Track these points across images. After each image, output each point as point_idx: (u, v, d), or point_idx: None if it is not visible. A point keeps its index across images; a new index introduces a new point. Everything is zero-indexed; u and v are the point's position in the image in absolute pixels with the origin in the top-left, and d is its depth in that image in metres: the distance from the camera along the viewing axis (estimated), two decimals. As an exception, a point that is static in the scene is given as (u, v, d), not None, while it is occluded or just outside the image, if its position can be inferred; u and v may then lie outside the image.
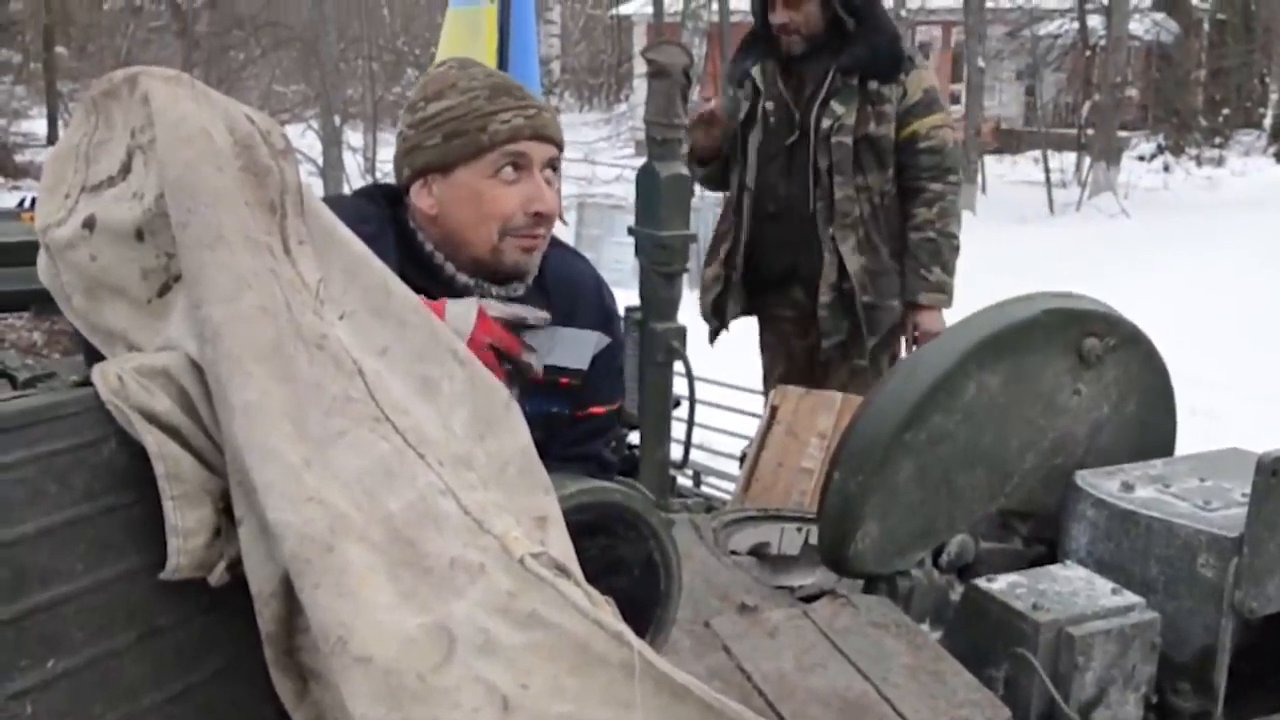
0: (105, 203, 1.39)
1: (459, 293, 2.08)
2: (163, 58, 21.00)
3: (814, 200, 3.79)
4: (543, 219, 2.09)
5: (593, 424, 2.29)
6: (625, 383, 2.27)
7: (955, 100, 23.70)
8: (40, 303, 3.94)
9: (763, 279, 3.99)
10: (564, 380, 2.20)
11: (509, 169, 2.08)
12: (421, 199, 2.10)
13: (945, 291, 3.87)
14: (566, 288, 2.23)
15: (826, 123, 3.73)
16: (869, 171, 3.81)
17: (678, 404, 3.03)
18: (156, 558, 1.26)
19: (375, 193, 2.24)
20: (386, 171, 17.41)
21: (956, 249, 3.88)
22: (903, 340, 4.00)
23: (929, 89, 3.83)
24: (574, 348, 2.20)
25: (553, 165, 2.14)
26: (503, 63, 4.12)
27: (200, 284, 1.28)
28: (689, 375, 2.95)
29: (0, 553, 1.19)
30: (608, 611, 1.31)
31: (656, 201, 2.89)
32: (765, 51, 3.89)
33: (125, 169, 1.38)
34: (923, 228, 3.85)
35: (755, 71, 3.87)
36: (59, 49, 21.28)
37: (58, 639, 1.22)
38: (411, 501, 1.30)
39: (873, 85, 3.79)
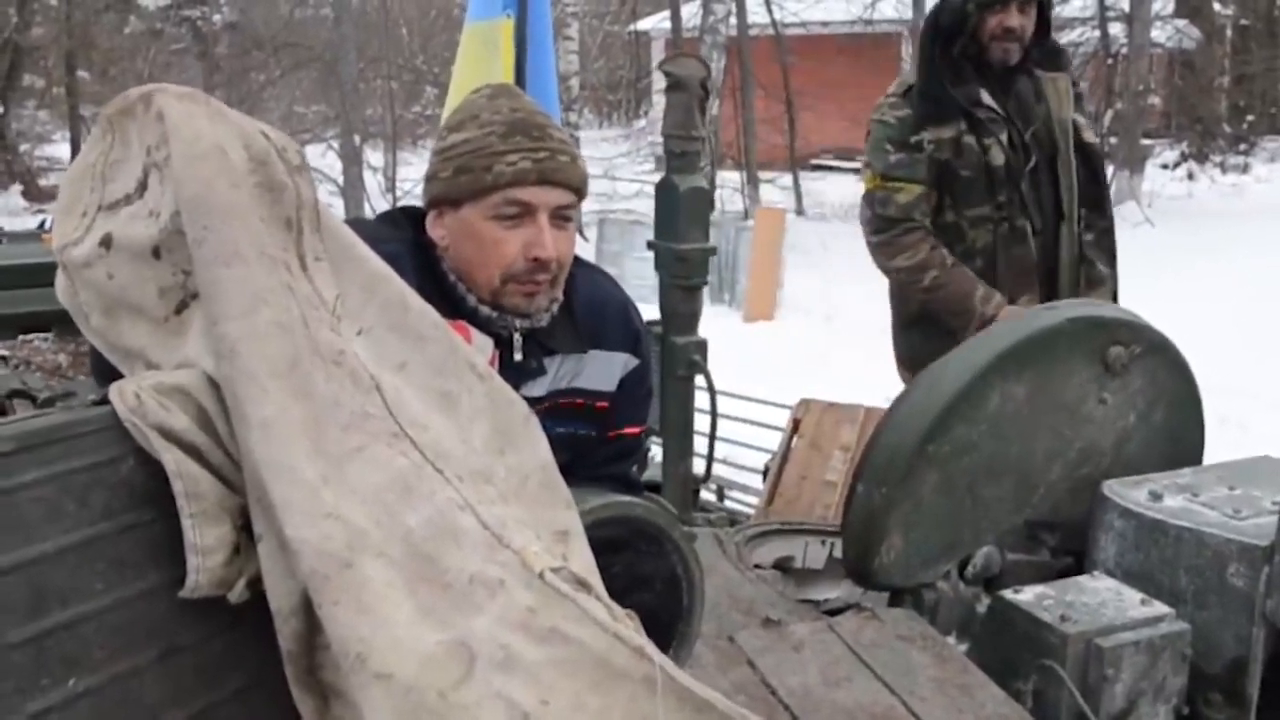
0: (122, 221, 1.39)
1: (481, 323, 2.07)
2: (184, 80, 21.11)
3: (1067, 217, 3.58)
4: (542, 265, 2.01)
5: (620, 446, 2.27)
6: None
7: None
8: (61, 324, 3.97)
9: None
10: (587, 402, 2.19)
11: (511, 213, 2.01)
12: (435, 229, 2.08)
13: None
14: (594, 310, 2.20)
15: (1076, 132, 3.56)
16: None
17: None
18: (176, 576, 1.26)
19: (400, 216, 2.21)
20: (407, 190, 17.50)
21: None
22: None
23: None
24: (601, 370, 2.19)
25: (564, 212, 2.05)
26: (520, 77, 4.12)
27: (216, 301, 1.28)
28: (711, 389, 2.95)
29: (20, 572, 1.19)
30: (629, 626, 1.30)
31: (676, 214, 2.90)
32: (962, 75, 3.49)
33: (141, 187, 1.38)
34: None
35: (985, 97, 3.49)
36: (81, 73, 21.44)
37: (78, 658, 1.21)
38: (430, 517, 1.29)
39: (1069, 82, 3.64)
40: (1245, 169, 22.09)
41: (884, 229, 3.45)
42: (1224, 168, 21.96)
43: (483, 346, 2.04)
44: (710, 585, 1.94)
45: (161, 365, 1.36)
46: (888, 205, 3.43)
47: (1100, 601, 2.07)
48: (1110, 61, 20.47)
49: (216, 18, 22.77)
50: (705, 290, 3.05)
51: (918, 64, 3.55)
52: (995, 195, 3.46)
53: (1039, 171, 3.50)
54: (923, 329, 3.51)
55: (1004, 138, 3.44)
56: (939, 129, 3.44)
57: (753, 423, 5.43)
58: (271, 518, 1.23)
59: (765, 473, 4.68)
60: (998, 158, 3.43)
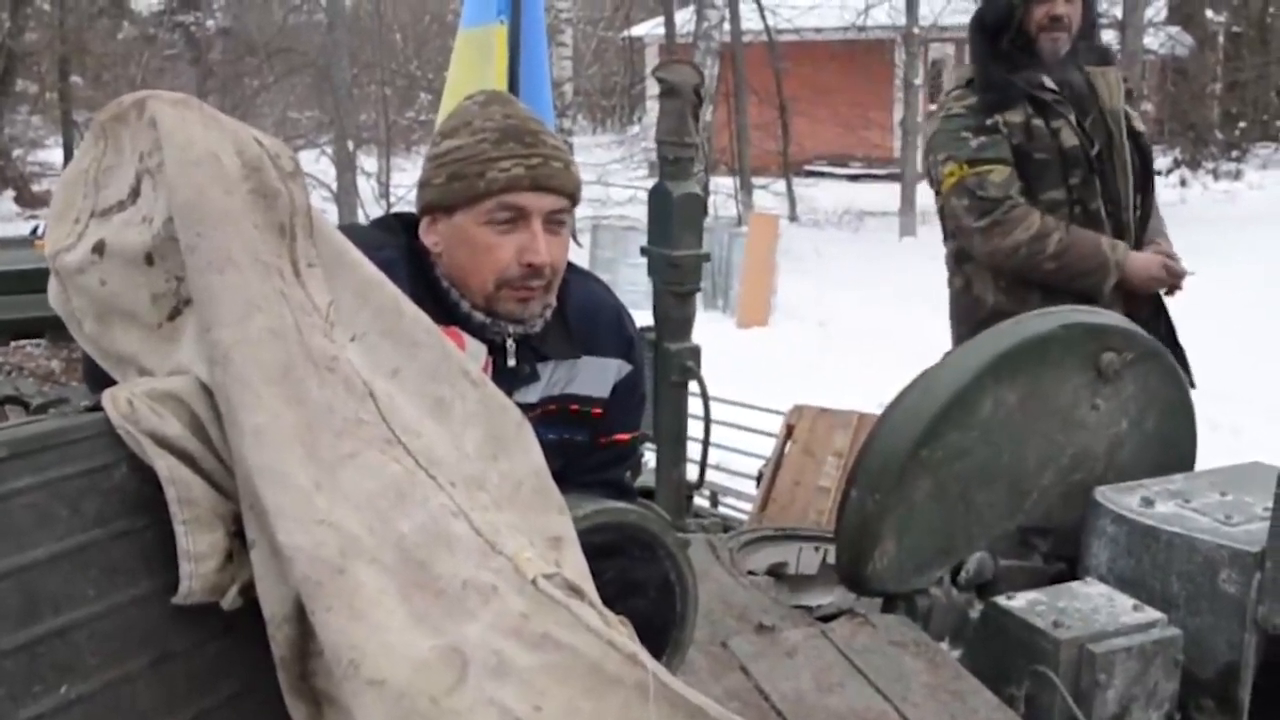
0: (115, 227, 1.39)
1: (475, 329, 2.07)
2: (177, 85, 20.98)
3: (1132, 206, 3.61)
4: (536, 271, 2.02)
5: (613, 452, 2.26)
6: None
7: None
8: (54, 330, 3.97)
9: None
10: (580, 408, 2.18)
11: (505, 218, 2.01)
12: (428, 236, 2.08)
13: None
14: (587, 316, 2.20)
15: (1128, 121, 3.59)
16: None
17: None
18: (169, 582, 1.26)
19: (393, 222, 2.21)
20: (400, 196, 17.45)
21: None
22: None
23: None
24: (594, 376, 2.19)
25: (557, 218, 2.05)
26: (513, 83, 4.12)
27: (209, 307, 1.28)
28: (704, 395, 2.95)
29: (12, 578, 1.18)
30: (622, 632, 1.30)
31: (669, 220, 2.89)
32: (1016, 65, 3.51)
33: (134, 193, 1.38)
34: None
35: (1049, 82, 3.51)
36: (74, 78, 21.36)
37: (71, 664, 1.21)
38: (423, 523, 1.29)
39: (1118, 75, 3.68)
40: (1238, 175, 22.12)
41: (990, 210, 3.40)
42: (1217, 174, 21.99)
43: (476, 353, 2.04)
44: (703, 591, 1.94)
45: (154, 371, 1.36)
46: (985, 187, 3.41)
47: (1093, 607, 2.07)
48: (1103, 68, 20.47)
49: (210, 23, 22.72)
50: (699, 296, 3.04)
51: (973, 58, 3.58)
52: (1068, 178, 3.47)
53: (1102, 158, 3.52)
54: None
55: (1072, 119, 3.46)
56: (1007, 114, 3.45)
57: (746, 429, 5.41)
58: (264, 524, 1.23)
59: (759, 478, 4.67)
60: (1069, 139, 3.44)
